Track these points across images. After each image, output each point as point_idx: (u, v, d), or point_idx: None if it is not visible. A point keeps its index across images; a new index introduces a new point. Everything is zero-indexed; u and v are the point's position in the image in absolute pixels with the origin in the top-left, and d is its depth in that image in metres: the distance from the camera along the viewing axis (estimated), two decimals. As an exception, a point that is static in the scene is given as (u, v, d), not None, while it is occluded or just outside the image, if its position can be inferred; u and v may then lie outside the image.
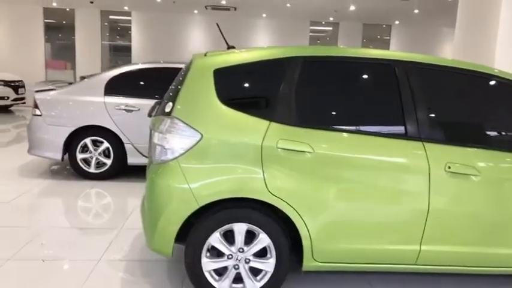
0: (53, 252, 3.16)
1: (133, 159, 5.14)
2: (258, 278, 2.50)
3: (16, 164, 5.82)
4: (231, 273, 2.47)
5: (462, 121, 2.64)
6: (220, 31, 3.12)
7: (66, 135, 5.01)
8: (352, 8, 11.69)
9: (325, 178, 2.38)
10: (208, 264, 2.45)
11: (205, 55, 2.62)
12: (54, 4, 13.10)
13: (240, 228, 2.41)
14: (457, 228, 2.47)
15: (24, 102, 11.94)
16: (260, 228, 2.41)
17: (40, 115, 5.08)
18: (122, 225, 3.77)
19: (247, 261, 2.46)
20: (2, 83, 11.10)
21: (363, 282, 2.89)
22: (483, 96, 2.69)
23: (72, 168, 5.22)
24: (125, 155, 5.13)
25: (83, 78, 9.29)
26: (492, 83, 2.66)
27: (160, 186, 2.39)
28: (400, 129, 2.47)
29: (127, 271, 2.92)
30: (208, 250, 2.45)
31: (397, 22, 14.37)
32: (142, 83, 5.26)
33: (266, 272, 2.49)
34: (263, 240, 2.43)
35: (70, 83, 5.88)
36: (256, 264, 2.47)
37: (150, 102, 5.01)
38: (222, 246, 2.43)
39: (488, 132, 2.66)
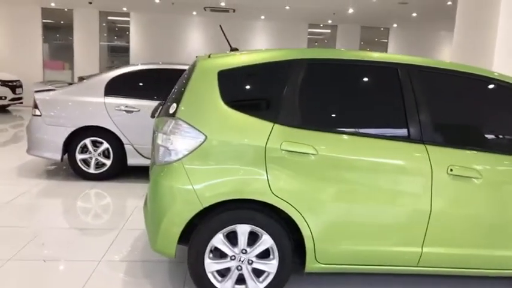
0: (53, 252, 3.15)
1: (133, 160, 5.14)
2: (261, 279, 2.50)
3: (14, 164, 5.80)
4: (234, 274, 2.47)
5: (464, 124, 2.66)
6: (224, 33, 3.13)
7: (66, 135, 5.00)
8: (351, 10, 11.73)
9: (329, 180, 2.39)
10: (211, 265, 2.45)
11: (209, 57, 2.62)
12: (53, 4, 13.07)
13: (243, 230, 2.42)
14: (459, 231, 2.49)
15: (22, 102, 11.91)
16: (263, 229, 2.42)
17: (40, 115, 5.07)
18: (122, 225, 3.77)
19: (250, 262, 2.46)
20: (0, 82, 11.07)
21: (364, 284, 2.90)
22: (485, 100, 2.71)
23: (71, 169, 5.21)
24: (125, 156, 5.13)
25: (81, 78, 9.28)
26: (494, 86, 2.68)
27: (164, 187, 2.40)
28: (403, 131, 2.49)
29: (128, 272, 2.92)
30: (211, 251, 2.45)
31: (395, 25, 14.43)
32: (142, 84, 5.26)
33: (269, 273, 2.49)
34: (266, 241, 2.44)
35: (70, 84, 5.86)
36: (259, 265, 2.47)
37: (150, 103, 5.05)
38: (225, 247, 2.44)
39: (490, 136, 2.68)
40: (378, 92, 2.60)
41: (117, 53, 15.02)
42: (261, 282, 2.49)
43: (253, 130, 2.39)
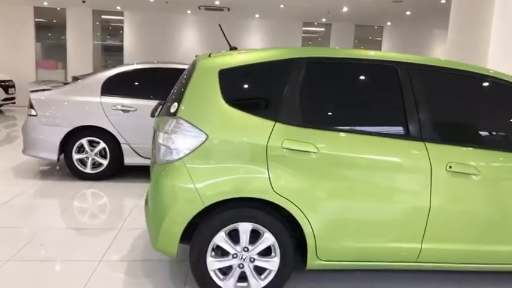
0: (52, 253, 3.14)
1: (130, 159, 5.13)
2: (262, 276, 2.52)
3: (9, 165, 5.76)
4: (236, 272, 2.48)
5: (462, 121, 2.69)
6: (223, 32, 3.14)
7: (62, 135, 4.98)
8: (345, 9, 11.77)
9: (330, 178, 2.41)
10: (213, 264, 2.46)
11: (209, 56, 2.63)
12: (45, 3, 12.96)
13: (245, 228, 2.43)
14: (458, 227, 2.52)
15: (14, 102, 11.81)
16: (265, 227, 2.43)
17: (35, 115, 5.04)
18: (120, 225, 3.76)
19: (251, 260, 2.48)
20: (-8, 82, 10.98)
21: (364, 280, 2.93)
22: (482, 98, 2.75)
23: (67, 169, 5.19)
24: (122, 156, 5.12)
25: (75, 78, 9.23)
26: (490, 84, 2.71)
27: (165, 187, 2.40)
28: (402, 129, 2.51)
29: (129, 271, 2.92)
30: (213, 249, 2.46)
31: (388, 23, 14.49)
32: (139, 83, 5.25)
33: (270, 271, 2.51)
34: (268, 239, 2.45)
35: (65, 83, 5.83)
36: (261, 263, 2.49)
37: (147, 103, 5.04)
38: (227, 246, 2.45)
39: (487, 133, 2.72)
40: (377, 90, 2.62)
41: (111, 52, 14.94)
42: (263, 279, 2.51)
43: (255, 129, 2.40)
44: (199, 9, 12.70)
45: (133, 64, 5.38)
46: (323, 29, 15.08)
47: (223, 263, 2.48)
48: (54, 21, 14.09)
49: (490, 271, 2.98)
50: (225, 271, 2.51)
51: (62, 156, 5.15)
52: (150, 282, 2.79)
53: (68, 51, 13.71)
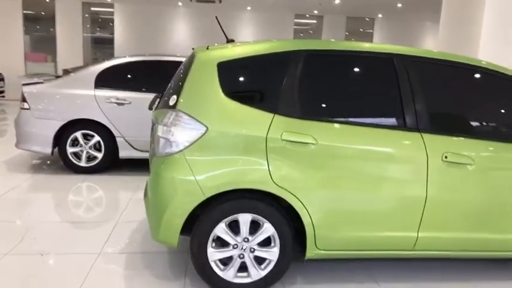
0: (51, 246, 3.15)
1: (124, 152, 5.12)
2: (263, 266, 2.55)
3: (1, 159, 5.71)
4: (236, 263, 2.52)
5: (457, 112, 2.74)
6: (220, 25, 3.14)
7: (56, 129, 4.95)
8: (337, 1, 11.78)
9: (328, 168, 2.45)
10: (213, 254, 2.49)
11: (207, 48, 2.64)
12: (33, -6, 12.78)
13: (245, 219, 2.46)
14: (453, 215, 2.58)
15: (4, 96, 11.66)
16: (265, 218, 2.46)
17: (28, 109, 5.00)
18: (118, 218, 3.77)
19: (252, 250, 2.51)
20: (-19, 76, 10.82)
21: (368, 280, 2.98)
22: (476, 89, 2.80)
23: (61, 162, 5.16)
24: (116, 149, 5.11)
25: (66, 71, 9.13)
26: (485, 76, 2.76)
27: (166, 179, 2.41)
28: (399, 120, 2.55)
29: (128, 263, 2.94)
30: (213, 240, 2.49)
31: (380, 15, 14.54)
32: (133, 76, 5.22)
33: (270, 261, 2.55)
34: (267, 229, 2.48)
35: (57, 76, 5.78)
36: (261, 253, 2.52)
37: (142, 95, 5.03)
38: (227, 237, 2.48)
39: (482, 123, 2.77)
40: (375, 82, 2.65)
41: (102, 45, 14.79)
42: (263, 269, 2.55)
43: (254, 121, 2.42)
44: (191, 1, 12.61)
45: (126, 57, 5.34)
46: (315, 21, 15.08)
47: (224, 253, 2.51)
48: (43, 13, 13.88)
49: (485, 258, 3.05)
50: (226, 261, 2.54)
51: (56, 149, 5.12)
52: (151, 273, 2.81)
53: (58, 44, 13.53)
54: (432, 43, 14.87)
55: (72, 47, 13.53)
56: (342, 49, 2.62)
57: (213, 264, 2.51)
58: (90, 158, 5.13)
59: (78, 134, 5.04)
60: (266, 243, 2.53)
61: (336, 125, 2.49)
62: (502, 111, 2.82)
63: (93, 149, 5.10)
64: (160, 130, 2.49)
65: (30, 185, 4.65)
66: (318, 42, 2.63)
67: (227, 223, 2.47)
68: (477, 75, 2.77)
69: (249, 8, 13.82)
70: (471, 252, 2.70)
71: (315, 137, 2.42)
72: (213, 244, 2.49)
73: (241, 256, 2.51)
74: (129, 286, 2.64)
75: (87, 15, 13.92)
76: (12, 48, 13.26)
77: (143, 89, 5.09)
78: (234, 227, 2.49)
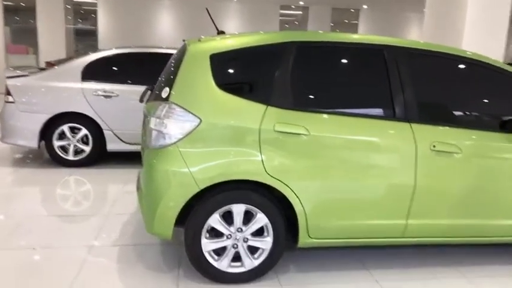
0: (42, 240, 3.13)
1: (113, 145, 5.08)
2: (256, 256, 2.59)
3: (-14, 153, 5.61)
4: (230, 253, 2.55)
5: (445, 102, 2.80)
6: (210, 16, 3.14)
7: (43, 122, 4.88)
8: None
9: (320, 158, 2.49)
10: (208, 245, 2.52)
11: (199, 40, 2.64)
12: (13, -15, 12.45)
13: (238, 209, 2.49)
14: (440, 203, 2.66)
15: (-15, 89, 11.38)
16: (258, 208, 2.50)
17: (13, 102, 4.91)
18: (108, 211, 3.76)
19: (245, 240, 2.54)
20: (-40, 68, 10.54)
21: (359, 267, 3.05)
22: (463, 79, 2.87)
23: (48, 156, 5.10)
24: (104, 142, 5.07)
25: (48, 63, 8.96)
26: (471, 66, 2.83)
27: (160, 171, 2.42)
28: (389, 111, 2.61)
29: (121, 256, 2.94)
30: (207, 231, 2.51)
31: (365, 6, 14.63)
32: (120, 68, 5.17)
33: (263, 250, 2.59)
34: (261, 219, 2.52)
35: (42, 69, 5.69)
36: (254, 242, 2.56)
37: (130, 88, 5.00)
38: (221, 227, 2.51)
39: (468, 113, 2.85)
40: (365, 74, 2.70)
41: (84, 37, 14.54)
42: (256, 258, 2.59)
43: (247, 112, 2.44)
44: (175, -8, 12.46)
45: (112, 49, 5.28)
46: (300, 12, 15.08)
47: (218, 244, 2.54)
48: (23, 4, 13.56)
49: (475, 244, 3.15)
50: (220, 252, 2.57)
51: (42, 143, 5.06)
52: (144, 266, 2.82)
53: (39, 36, 13.24)
54: (416, 34, 15.04)
55: (54, 39, 13.26)
56: (333, 40, 2.65)
57: (207, 255, 2.53)
58: (77, 152, 5.08)
59: (65, 128, 4.98)
60: (259, 233, 2.57)
61: (328, 116, 2.53)
62: (488, 101, 2.89)
63: (80, 142, 5.05)
64: (153, 122, 2.49)
65: (16, 180, 4.59)
66: (310, 34, 2.66)
67: (221, 214, 2.50)
68: (463, 66, 2.83)
69: (234, -1, 13.75)
70: (458, 238, 2.79)
71: (307, 127, 2.46)
72: (207, 235, 2.52)
73: (235, 246, 2.55)
74: (122, 278, 2.66)
75: (69, 6, 13.65)
76: (-9, 40, 12.93)
77: (131, 82, 5.05)
78: (228, 218, 2.52)
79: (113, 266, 2.80)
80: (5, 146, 5.73)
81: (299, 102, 2.53)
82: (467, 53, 2.85)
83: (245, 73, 2.59)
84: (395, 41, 2.70)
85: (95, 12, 13.71)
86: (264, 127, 2.42)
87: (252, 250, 2.59)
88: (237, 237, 2.54)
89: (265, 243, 2.57)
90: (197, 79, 2.48)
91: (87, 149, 5.06)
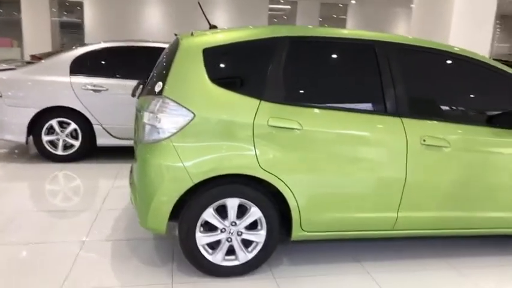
0: (35, 236, 3.11)
1: (102, 140, 5.04)
2: (250, 249, 2.62)
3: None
4: (224, 246, 2.57)
5: (434, 97, 2.84)
6: (202, 10, 3.12)
7: (30, 116, 4.81)
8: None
9: (313, 153, 2.52)
10: (202, 239, 2.53)
11: (191, 34, 2.63)
12: (-4, -24, 12.18)
13: (232, 203, 2.51)
14: (430, 196, 2.71)
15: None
16: (252, 202, 2.52)
17: (0, 96, 4.84)
18: (100, 206, 3.75)
19: (239, 233, 2.57)
20: None
21: (350, 259, 3.10)
22: (452, 74, 2.91)
23: (34, 151, 5.04)
24: (94, 136, 5.03)
25: (34, 57, 8.82)
26: (459, 62, 2.88)
27: (154, 166, 2.42)
28: (380, 106, 2.64)
29: (114, 251, 2.94)
30: (201, 225, 2.53)
31: (353, 1, 14.70)
32: (110, 62, 5.11)
33: (257, 244, 2.61)
34: (254, 213, 2.54)
35: (29, 62, 5.60)
36: (248, 236, 2.58)
37: (119, 82, 4.96)
38: (215, 221, 2.52)
39: (457, 108, 2.90)
40: (357, 69, 2.72)
41: (69, 30, 14.32)
42: (250, 252, 2.61)
43: (241, 107, 2.45)
44: (163, -15, 12.34)
45: (101, 43, 5.22)
46: (289, 7, 15.08)
47: (212, 237, 2.55)
48: (7, -5, 13.30)
49: (465, 235, 3.22)
50: (214, 245, 2.59)
51: (30, 138, 5.00)
52: (137, 260, 2.82)
53: (24, 28, 13.02)
54: (404, 28, 15.16)
55: (39, 31, 13.05)
56: (326, 36, 2.67)
57: (201, 249, 2.55)
58: (66, 146, 5.04)
59: (54, 122, 4.92)
60: (253, 226, 2.60)
61: (320, 111, 2.55)
62: (475, 96, 2.95)
63: (69, 137, 5.00)
64: (147, 117, 2.48)
65: (5, 175, 4.53)
66: (303, 29, 2.67)
67: (215, 208, 2.51)
68: (452, 62, 2.88)
69: (222, -8, 13.67)
70: (448, 230, 2.85)
71: (300, 122, 2.48)
72: (201, 229, 2.54)
73: (229, 240, 2.57)
74: (116, 273, 2.66)
75: (54, -2, 13.43)
76: (-26, 33, 12.67)
77: (120, 76, 5.01)
78: (222, 212, 2.54)
79: (107, 261, 2.79)
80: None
81: (292, 97, 2.55)
82: (455, 48, 2.90)
83: (238, 68, 2.59)
84: (386, 37, 2.74)
85: (80, 4, 13.51)
86: (257, 122, 2.44)
87: (246, 243, 2.62)
88: (231, 231, 2.56)
89: (259, 236, 2.59)
90: (190, 73, 2.48)
91: (77, 143, 5.01)
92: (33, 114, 4.81)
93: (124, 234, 3.21)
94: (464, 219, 2.82)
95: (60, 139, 4.98)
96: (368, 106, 2.66)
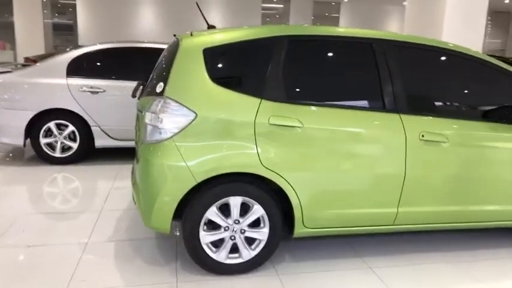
0: (37, 238, 3.11)
1: (101, 141, 5.05)
2: (253, 247, 2.65)
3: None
4: (228, 244, 2.60)
5: (431, 93, 2.89)
6: (201, 11, 3.14)
7: (28, 119, 4.81)
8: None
9: (314, 150, 2.55)
10: (205, 237, 2.56)
11: (191, 35, 2.65)
12: (-13, -22, 12.09)
13: (235, 202, 2.53)
14: (429, 190, 2.76)
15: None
16: (255, 200, 2.55)
17: (-4, 99, 4.82)
18: (101, 207, 3.76)
19: (242, 231, 2.59)
20: None
21: (352, 255, 3.13)
22: (450, 71, 2.96)
23: (35, 153, 5.03)
24: (92, 138, 5.03)
25: (27, 59, 8.77)
26: (456, 58, 2.92)
27: (157, 166, 2.44)
28: (379, 103, 2.68)
29: (117, 251, 2.95)
30: (205, 224, 2.55)
31: (346, 0, 14.78)
32: (107, 63, 5.11)
33: (260, 241, 2.64)
34: (257, 211, 2.57)
35: (24, 65, 5.58)
36: (251, 234, 2.61)
37: (117, 83, 4.97)
38: (218, 219, 2.55)
39: (454, 103, 2.95)
40: (356, 66, 2.76)
41: (62, 32, 14.24)
42: (254, 249, 2.64)
43: (242, 106, 2.48)
44: (156, -15, 12.32)
45: (97, 44, 5.22)
46: (282, 6, 15.11)
47: (216, 236, 2.58)
48: (-2, -2, 13.20)
49: (465, 229, 3.28)
50: (217, 244, 2.62)
51: (28, 141, 4.99)
52: (141, 260, 2.84)
53: (16, 31, 12.93)
54: (397, 26, 15.25)
55: (32, 33, 12.97)
56: (324, 34, 2.70)
57: (205, 247, 2.57)
58: (64, 149, 5.03)
59: (52, 124, 4.91)
60: (256, 224, 2.62)
61: (321, 108, 2.59)
62: (472, 91, 3.00)
63: (67, 139, 5.00)
64: (148, 117, 2.50)
65: (4, 177, 4.52)
66: (301, 28, 2.70)
67: (218, 206, 2.53)
68: (448, 58, 2.92)
69: (216, -8, 13.67)
70: (447, 224, 2.90)
71: (300, 120, 2.51)
72: (205, 227, 2.56)
73: (233, 238, 2.59)
74: (120, 273, 2.67)
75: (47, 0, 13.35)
76: (-34, 36, 12.57)
77: (117, 77, 5.01)
78: (225, 210, 2.56)
79: (110, 262, 2.81)
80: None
81: (292, 95, 2.58)
82: (450, 44, 2.94)
83: (238, 67, 2.62)
84: (383, 34, 2.78)
85: (73, 6, 13.44)
86: (259, 120, 2.47)
87: (249, 241, 2.64)
88: (235, 229, 2.58)
89: (262, 234, 2.62)
90: (191, 73, 2.50)
91: (75, 145, 5.01)
92: (30, 116, 4.81)
93: (126, 234, 3.22)
94: (464, 213, 2.87)
95: (58, 141, 4.97)
96: (367, 103, 2.70)
